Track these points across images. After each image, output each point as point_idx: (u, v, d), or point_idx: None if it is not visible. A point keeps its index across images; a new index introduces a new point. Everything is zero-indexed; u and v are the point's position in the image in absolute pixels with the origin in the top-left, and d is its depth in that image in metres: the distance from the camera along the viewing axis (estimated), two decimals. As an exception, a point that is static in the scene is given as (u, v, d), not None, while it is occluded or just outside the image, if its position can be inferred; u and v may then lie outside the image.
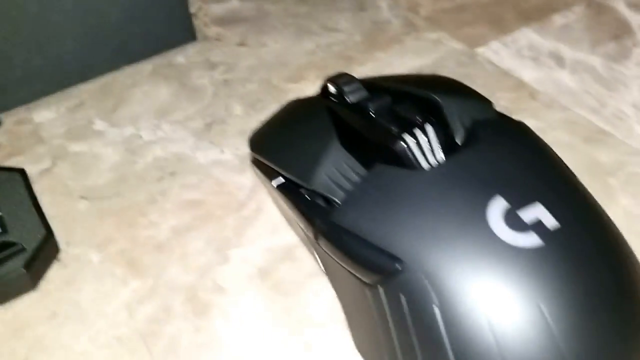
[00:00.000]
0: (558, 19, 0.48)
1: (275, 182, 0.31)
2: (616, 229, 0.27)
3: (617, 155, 0.37)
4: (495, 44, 0.46)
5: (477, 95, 0.31)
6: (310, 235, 0.28)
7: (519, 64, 0.44)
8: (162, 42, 0.47)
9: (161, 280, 0.32)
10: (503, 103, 0.41)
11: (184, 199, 0.36)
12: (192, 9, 0.50)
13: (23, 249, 0.32)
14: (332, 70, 0.34)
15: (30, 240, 0.33)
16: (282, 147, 0.31)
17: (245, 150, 0.38)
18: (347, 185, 0.28)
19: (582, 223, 0.25)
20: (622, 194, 0.34)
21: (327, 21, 0.50)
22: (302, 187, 0.29)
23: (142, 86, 0.45)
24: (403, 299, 0.25)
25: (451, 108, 0.29)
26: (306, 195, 0.29)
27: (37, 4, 0.41)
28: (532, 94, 0.42)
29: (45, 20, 0.41)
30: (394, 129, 0.28)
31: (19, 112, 0.43)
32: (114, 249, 0.34)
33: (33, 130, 0.42)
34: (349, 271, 0.26)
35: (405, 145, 0.27)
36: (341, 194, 0.28)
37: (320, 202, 0.29)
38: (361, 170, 0.28)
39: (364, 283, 0.26)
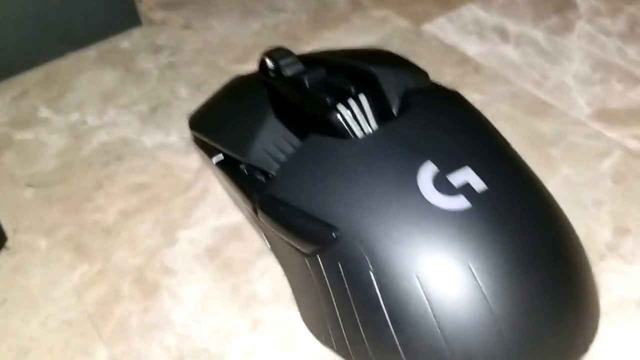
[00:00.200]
0: (502, -5, 0.49)
1: (214, 159, 0.31)
2: (547, 192, 0.27)
3: (558, 126, 0.37)
4: (440, 20, 0.47)
5: (412, 66, 0.32)
6: (250, 209, 0.28)
7: (464, 39, 0.45)
8: (107, 27, 0.46)
9: (109, 264, 0.32)
10: (448, 78, 0.42)
11: (130, 183, 0.36)
12: (137, -6, 0.49)
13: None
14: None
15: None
16: (220, 124, 0.31)
17: (191, 132, 0.38)
18: (283, 158, 0.28)
19: (510, 186, 0.26)
20: (562, 163, 0.35)
21: (273, 1, 0.50)
22: (241, 162, 0.29)
23: (87, 72, 0.44)
24: (340, 267, 0.25)
25: (387, 79, 0.29)
26: (245, 171, 0.29)
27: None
28: (477, 68, 0.42)
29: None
30: (328, 100, 0.28)
31: (-36, 103, 0.43)
32: (62, 235, 0.34)
33: (-22, 120, 0.41)
34: (289, 243, 0.26)
35: (339, 116, 0.27)
36: (277, 166, 0.28)
37: (260, 176, 0.29)
38: (297, 142, 0.28)
39: (304, 253, 0.26)
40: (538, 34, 0.44)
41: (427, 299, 0.24)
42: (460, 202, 0.25)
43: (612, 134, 0.36)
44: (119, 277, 0.32)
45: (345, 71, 0.30)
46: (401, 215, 0.25)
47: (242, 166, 0.30)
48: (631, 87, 0.39)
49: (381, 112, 0.28)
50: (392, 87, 0.29)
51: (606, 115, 0.38)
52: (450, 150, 0.26)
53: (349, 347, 0.26)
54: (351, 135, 0.27)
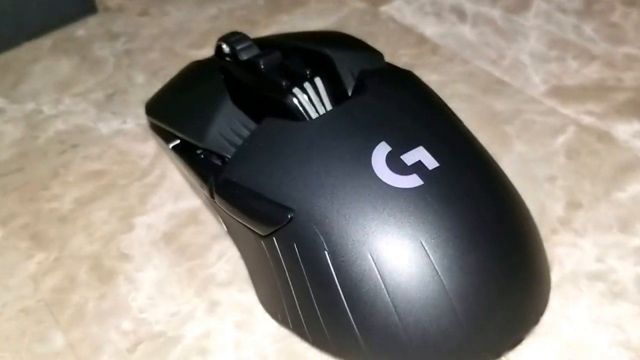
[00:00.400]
0: (457, -25, 0.49)
1: (170, 144, 0.31)
2: (498, 168, 0.28)
3: (513, 104, 0.37)
4: (398, 2, 0.47)
5: (367, 47, 0.32)
6: (206, 193, 0.28)
7: (422, 20, 0.45)
8: (62, 15, 0.46)
9: (65, 252, 0.32)
10: (406, 59, 0.42)
11: (86, 171, 0.36)
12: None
13: None
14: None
15: None
16: (176, 109, 0.31)
17: (147, 119, 0.38)
18: (239, 141, 0.28)
19: (462, 163, 0.26)
20: (517, 140, 0.35)
21: (229, -14, 0.50)
22: (197, 147, 0.29)
23: (43, 61, 0.44)
24: (295, 247, 0.25)
25: (341, 61, 0.30)
26: (201, 155, 0.29)
27: None
28: (434, 49, 0.42)
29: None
30: (284, 83, 0.28)
31: None
32: (18, 224, 0.34)
33: None
34: (245, 225, 0.27)
35: (294, 98, 0.28)
36: (234, 150, 0.28)
37: (216, 160, 0.29)
38: (253, 125, 0.28)
39: (260, 235, 0.26)
40: (495, 13, 0.45)
41: (381, 277, 0.24)
42: (413, 181, 0.25)
43: (567, 110, 0.37)
44: (75, 265, 0.31)
45: (301, 54, 0.31)
46: (355, 195, 0.25)
47: (198, 151, 0.30)
48: (586, 64, 0.40)
49: (336, 94, 0.29)
50: (347, 68, 0.29)
51: (561, 92, 0.38)
52: (403, 130, 0.26)
53: (304, 326, 0.26)
54: (306, 117, 0.28)
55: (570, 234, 0.30)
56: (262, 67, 0.30)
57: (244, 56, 0.31)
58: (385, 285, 0.24)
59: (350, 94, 0.29)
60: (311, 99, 0.28)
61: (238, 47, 0.31)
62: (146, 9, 0.48)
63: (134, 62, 0.43)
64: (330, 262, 0.24)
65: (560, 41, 0.42)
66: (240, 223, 0.27)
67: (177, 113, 0.31)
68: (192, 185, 0.34)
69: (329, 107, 0.28)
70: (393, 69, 0.31)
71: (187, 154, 0.30)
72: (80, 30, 0.47)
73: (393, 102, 0.27)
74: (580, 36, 0.42)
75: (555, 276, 0.29)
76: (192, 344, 0.28)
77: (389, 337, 0.24)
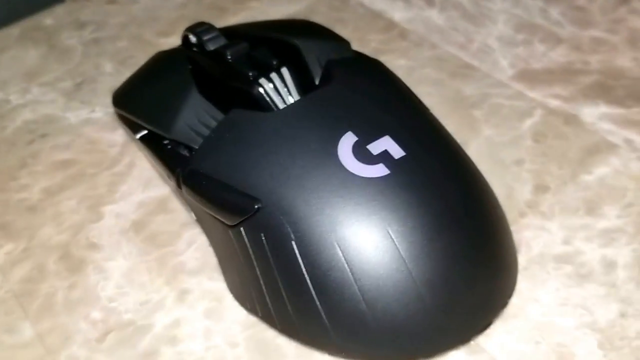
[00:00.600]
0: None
1: (138, 135, 0.31)
2: (465, 154, 0.28)
3: (481, 88, 0.38)
4: (366, -13, 0.47)
5: (334, 36, 0.32)
6: (174, 184, 0.28)
7: (390, 5, 0.45)
8: (29, 4, 0.46)
9: (34, 242, 0.32)
10: (374, 45, 0.42)
11: (55, 160, 0.36)
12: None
13: None
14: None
15: None
16: (143, 100, 0.31)
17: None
18: (206, 132, 0.28)
19: (428, 151, 0.26)
20: (485, 124, 0.35)
21: (197, -27, 0.49)
22: (164, 138, 0.29)
23: (10, 51, 0.44)
24: (263, 238, 0.25)
25: (309, 50, 0.30)
26: (169, 146, 0.29)
27: None
28: (403, 34, 0.42)
29: None
30: (251, 74, 0.28)
31: None
32: (-14, 215, 0.34)
33: None
34: (213, 215, 0.27)
35: (261, 89, 0.28)
36: (200, 141, 0.28)
37: (184, 151, 0.29)
38: (221, 116, 0.28)
39: (227, 225, 0.26)
40: (463, -3, 0.45)
41: (348, 266, 0.24)
42: (379, 170, 0.25)
43: (534, 94, 0.37)
44: (44, 255, 0.31)
45: (268, 44, 0.30)
46: (322, 185, 0.25)
47: (165, 142, 0.29)
48: (553, 47, 0.40)
49: (304, 84, 0.29)
50: (315, 58, 0.29)
51: (528, 76, 0.38)
52: (370, 120, 0.26)
53: (273, 314, 0.26)
54: (273, 107, 0.28)
55: (537, 217, 0.31)
56: (229, 57, 0.30)
57: (211, 46, 0.31)
58: (352, 274, 0.24)
59: (317, 83, 0.29)
60: (278, 89, 0.28)
61: (205, 38, 0.31)
62: (114, -3, 0.48)
63: (102, 51, 0.43)
64: (298, 252, 0.25)
65: (528, 25, 0.42)
66: (208, 213, 0.27)
67: (144, 104, 0.31)
68: (160, 174, 0.33)
69: (296, 97, 0.28)
70: (361, 58, 0.31)
71: (154, 144, 0.30)
72: (48, 19, 0.46)
73: (360, 91, 0.28)
74: (547, 19, 0.42)
75: (522, 259, 0.29)
76: (162, 332, 0.28)
77: (357, 325, 0.24)
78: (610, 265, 0.29)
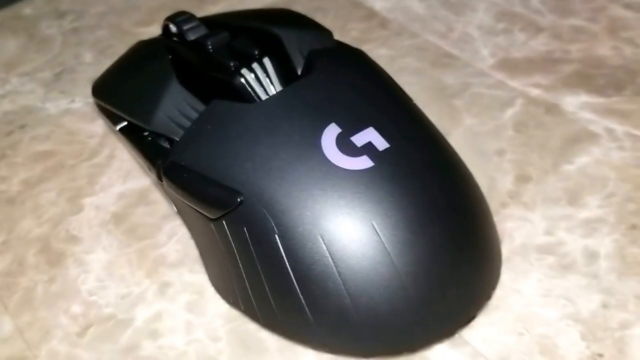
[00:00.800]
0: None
1: (117, 126, 0.30)
2: (448, 145, 0.28)
3: (462, 77, 0.38)
4: (346, -24, 0.46)
5: (316, 25, 0.31)
6: (154, 176, 0.28)
7: (370, -7, 0.45)
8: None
9: (13, 234, 0.32)
10: (355, 34, 0.42)
11: (34, 151, 0.36)
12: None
13: None
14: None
15: None
16: (122, 91, 0.31)
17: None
18: (187, 124, 0.28)
19: (412, 142, 0.26)
20: (466, 114, 0.35)
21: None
22: (145, 129, 0.29)
23: (-12, 41, 0.43)
24: (245, 231, 0.25)
25: (290, 40, 0.29)
26: (149, 138, 0.29)
27: None
28: (383, 23, 0.42)
29: None
30: (232, 64, 0.28)
31: None
32: (-36, 208, 0.33)
33: None
34: (194, 208, 0.26)
35: (242, 79, 0.27)
36: (181, 132, 0.27)
37: (164, 143, 0.29)
38: (202, 107, 0.28)
39: (209, 218, 0.26)
40: (443, -14, 0.45)
41: (332, 259, 0.24)
42: (363, 162, 0.25)
43: (514, 83, 0.37)
44: (23, 247, 0.31)
45: (249, 34, 0.30)
46: (305, 178, 0.25)
47: (145, 133, 0.29)
48: (533, 36, 0.40)
49: (285, 75, 0.28)
50: (296, 48, 0.29)
51: (509, 65, 0.38)
52: (353, 111, 0.26)
53: (255, 308, 0.26)
54: (255, 98, 0.27)
55: (519, 208, 0.31)
56: (210, 47, 0.29)
57: (191, 36, 0.31)
58: (336, 267, 0.24)
59: (299, 74, 0.29)
60: (260, 80, 0.28)
61: (185, 27, 0.31)
62: (93, -15, 0.47)
63: (82, 40, 0.43)
64: (281, 246, 0.24)
65: (508, 13, 0.42)
66: (190, 206, 0.27)
67: (124, 95, 0.31)
68: (141, 166, 0.33)
69: (278, 87, 0.28)
70: (343, 48, 0.30)
71: (134, 136, 0.30)
72: (27, 8, 0.46)
73: (343, 82, 0.27)
74: (527, 8, 0.42)
75: (505, 250, 0.29)
76: (143, 326, 0.28)
77: (341, 319, 0.24)
78: (592, 256, 0.29)
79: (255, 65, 0.28)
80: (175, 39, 0.32)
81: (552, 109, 0.35)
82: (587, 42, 0.39)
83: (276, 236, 0.25)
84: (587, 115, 0.35)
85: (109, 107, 0.31)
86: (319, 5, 0.44)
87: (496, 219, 0.29)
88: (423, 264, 0.24)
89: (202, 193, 0.26)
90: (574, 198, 0.31)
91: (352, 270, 0.24)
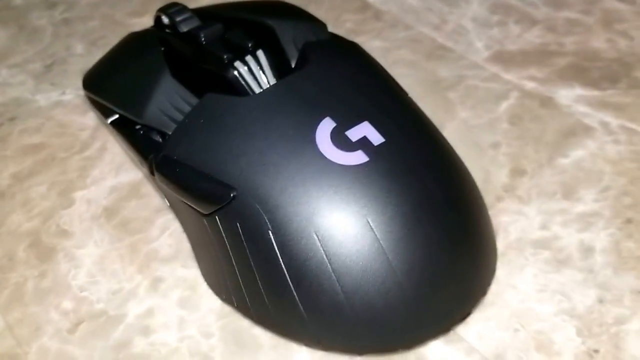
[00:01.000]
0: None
1: (109, 119, 0.30)
2: (444, 139, 0.27)
3: (457, 70, 0.37)
4: (340, -33, 0.46)
5: (310, 17, 0.31)
6: (146, 170, 0.28)
7: (364, -15, 0.44)
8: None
9: (3, 229, 0.31)
10: (349, 25, 0.41)
11: (24, 144, 0.35)
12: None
13: None
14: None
15: None
16: (114, 83, 0.31)
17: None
18: (179, 117, 0.27)
19: (408, 137, 0.26)
20: (461, 107, 0.35)
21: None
22: (137, 122, 0.29)
23: (-23, 31, 0.43)
24: (239, 227, 0.25)
25: (285, 32, 0.29)
26: (141, 131, 0.29)
27: None
28: (377, 14, 0.42)
29: None
30: (225, 56, 0.28)
31: None
32: (-47, 202, 0.33)
33: None
34: (187, 203, 0.26)
35: (236, 72, 0.27)
36: (174, 126, 0.27)
37: (156, 137, 0.28)
38: (194, 100, 0.28)
39: (202, 214, 0.26)
40: (437, -23, 0.44)
41: (326, 256, 0.24)
42: (358, 157, 0.25)
43: (509, 76, 0.37)
44: (13, 242, 0.31)
45: (243, 25, 0.30)
46: (299, 173, 0.24)
47: (138, 126, 0.29)
48: (527, 28, 0.40)
49: (279, 67, 0.28)
50: (291, 40, 0.29)
51: (503, 58, 0.38)
52: (348, 105, 0.26)
53: (249, 305, 0.26)
54: (249, 92, 0.27)
55: (514, 201, 0.30)
56: (203, 39, 0.29)
57: (184, 28, 0.30)
58: (331, 264, 0.24)
59: (293, 66, 0.28)
60: (253, 73, 0.28)
61: (177, 19, 0.31)
62: (84, -25, 0.47)
63: (73, 31, 0.42)
64: (275, 242, 0.24)
65: (502, 5, 0.42)
66: (182, 200, 0.26)
67: (115, 87, 0.30)
68: (132, 160, 0.33)
69: (272, 80, 0.28)
70: (337, 40, 0.30)
71: (126, 129, 0.29)
72: (17, -2, 0.45)
73: (337, 75, 0.27)
74: (521, 0, 0.42)
75: (500, 244, 0.29)
76: (135, 322, 0.28)
77: (335, 316, 0.24)
78: (587, 251, 0.29)
79: (248, 58, 0.28)
80: (167, 30, 0.31)
81: (547, 102, 0.35)
82: (582, 35, 0.39)
83: (270, 232, 0.24)
84: (582, 108, 0.35)
85: (100, 99, 0.31)
86: (312, -4, 0.44)
87: (491, 212, 0.29)
88: (418, 260, 0.24)
89: (194, 188, 0.25)
90: (569, 192, 0.31)
91: (347, 266, 0.24)
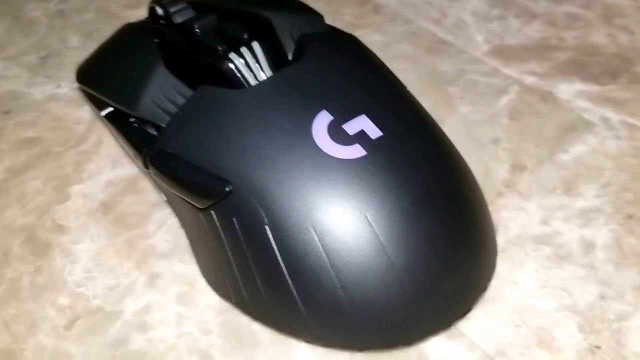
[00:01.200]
0: None
1: (103, 112, 0.30)
2: (443, 134, 0.27)
3: (457, 64, 0.37)
4: (338, -40, 0.46)
5: (307, 9, 0.31)
6: (141, 164, 0.27)
7: (363, -22, 0.44)
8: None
9: (-2, 224, 0.31)
10: (348, 19, 0.41)
11: (19, 138, 0.35)
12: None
13: None
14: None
15: None
16: (107, 76, 0.30)
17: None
18: (174, 110, 0.27)
19: (406, 131, 0.25)
20: (461, 101, 0.35)
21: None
22: (131, 115, 0.28)
23: (-29, 24, 0.42)
24: (235, 222, 0.24)
25: (281, 24, 0.29)
26: (135, 124, 0.28)
27: None
28: (376, 8, 0.42)
29: None
30: (220, 48, 0.27)
31: None
32: (-53, 196, 0.32)
33: None
34: (182, 198, 0.26)
35: (231, 64, 0.27)
36: (168, 119, 0.27)
37: (151, 130, 0.28)
38: (189, 93, 0.27)
39: (198, 208, 0.25)
40: (436, -29, 0.44)
41: (324, 251, 0.23)
42: (355, 151, 0.24)
43: (509, 70, 0.36)
44: (8, 237, 0.30)
45: (238, 17, 0.29)
46: (296, 167, 0.24)
47: (132, 119, 0.28)
48: (527, 22, 0.39)
49: (276, 60, 0.28)
50: (287, 32, 0.28)
51: (503, 52, 0.38)
52: (345, 98, 0.25)
53: (247, 301, 0.26)
54: (244, 84, 0.27)
55: (515, 197, 0.30)
56: (197, 30, 0.29)
57: (178, 19, 0.30)
58: (329, 260, 0.23)
59: (290, 59, 0.28)
60: (249, 65, 0.27)
61: (172, 10, 0.30)
62: (79, -33, 0.46)
63: (68, 23, 0.42)
64: (272, 237, 0.24)
65: (502, -1, 0.41)
66: (178, 195, 0.26)
67: (109, 80, 0.30)
68: (128, 154, 0.33)
69: (268, 73, 0.27)
70: (335, 33, 0.30)
71: (120, 122, 0.29)
72: (11, -10, 0.45)
73: (335, 68, 0.27)
74: (516, -6, 0.42)
75: (500, 240, 0.28)
76: (132, 319, 0.27)
77: (335, 311, 0.24)
78: (589, 246, 0.28)
79: (244, 50, 0.27)
80: (161, 22, 0.31)
81: (547, 97, 0.35)
82: (582, 30, 0.39)
83: (267, 227, 0.24)
84: (582, 103, 0.34)
85: (93, 92, 0.30)
86: (310, -10, 0.43)
87: (492, 208, 0.29)
88: (418, 256, 0.24)
89: (189, 182, 0.25)
90: (569, 187, 0.31)
91: (346, 262, 0.23)
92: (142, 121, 0.28)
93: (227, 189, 0.24)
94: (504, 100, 0.35)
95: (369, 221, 0.23)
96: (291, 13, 0.30)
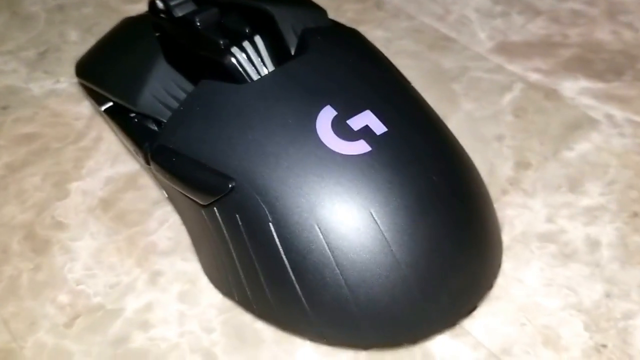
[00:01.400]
0: None
1: (103, 107, 0.29)
2: (448, 130, 0.27)
3: (460, 61, 0.37)
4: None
5: (309, 3, 0.30)
6: (141, 159, 0.27)
7: (364, -26, 0.44)
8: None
9: (-3, 220, 0.31)
10: (350, 15, 0.41)
11: (18, 134, 0.34)
12: None
13: None
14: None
15: None
16: (107, 70, 0.30)
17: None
18: (175, 105, 0.26)
19: (411, 127, 0.25)
20: (464, 98, 0.34)
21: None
22: (131, 110, 0.28)
23: (-31, 18, 0.42)
24: (238, 218, 0.24)
25: (283, 18, 0.28)
26: (136, 119, 0.28)
27: None
28: (379, 4, 0.41)
29: None
30: (222, 42, 0.27)
31: None
32: (-55, 193, 0.32)
33: None
34: (184, 194, 0.25)
35: (233, 58, 0.26)
36: (169, 114, 0.26)
37: (152, 125, 0.28)
38: (190, 88, 0.27)
39: (200, 205, 0.25)
40: (438, -33, 0.44)
41: (329, 248, 0.23)
42: (360, 147, 0.24)
43: (513, 67, 0.36)
44: (7, 234, 0.30)
45: (240, 10, 0.29)
46: (299, 163, 0.24)
47: (132, 114, 0.28)
48: (531, 19, 0.39)
49: (278, 54, 0.27)
50: (289, 26, 0.28)
51: (507, 49, 0.37)
52: (349, 93, 0.25)
53: (250, 299, 0.25)
54: (246, 79, 0.26)
55: (520, 194, 0.30)
56: (198, 24, 0.28)
57: (179, 13, 0.30)
58: (333, 257, 0.23)
59: (293, 53, 0.27)
60: (251, 59, 0.27)
61: (172, 3, 0.30)
62: (78, -38, 0.46)
63: (67, 18, 0.41)
64: (275, 234, 0.23)
65: (506, -5, 0.41)
66: (179, 191, 0.26)
67: (109, 74, 0.29)
68: (128, 149, 0.32)
69: (270, 67, 0.27)
70: (337, 27, 0.29)
71: (120, 117, 0.29)
72: (10, -16, 0.44)
73: (338, 62, 0.26)
74: (525, -10, 0.41)
75: (505, 238, 0.28)
76: (133, 317, 0.27)
77: (339, 309, 0.23)
78: (594, 244, 0.28)
79: (246, 44, 0.27)
80: (162, 15, 0.31)
81: (552, 94, 0.34)
82: (586, 26, 0.39)
83: (270, 224, 0.24)
84: (586, 100, 0.34)
85: (93, 87, 0.30)
86: (311, -15, 0.43)
87: (496, 205, 0.28)
88: (423, 253, 0.23)
89: (191, 178, 0.25)
90: (574, 185, 0.30)
91: (350, 260, 0.23)
92: (143, 116, 0.28)
93: (229, 185, 0.24)
94: (508, 98, 0.34)
95: (373, 218, 0.23)
96: (294, 7, 0.29)
